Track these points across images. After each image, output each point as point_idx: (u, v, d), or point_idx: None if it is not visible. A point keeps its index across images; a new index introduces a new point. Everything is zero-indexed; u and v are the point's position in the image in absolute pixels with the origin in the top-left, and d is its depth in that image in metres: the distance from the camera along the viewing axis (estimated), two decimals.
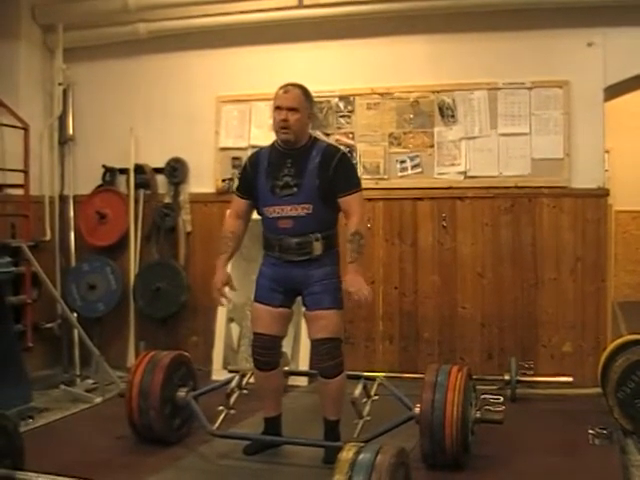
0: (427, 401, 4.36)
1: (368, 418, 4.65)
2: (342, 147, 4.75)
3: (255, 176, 4.64)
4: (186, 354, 5.27)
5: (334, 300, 4.52)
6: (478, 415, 4.55)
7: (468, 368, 4.64)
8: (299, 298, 4.69)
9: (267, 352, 4.65)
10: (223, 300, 4.75)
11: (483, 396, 4.89)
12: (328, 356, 4.48)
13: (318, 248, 4.53)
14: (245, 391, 5.03)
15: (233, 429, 4.97)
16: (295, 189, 4.50)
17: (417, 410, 4.41)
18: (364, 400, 4.85)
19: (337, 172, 4.49)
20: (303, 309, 4.67)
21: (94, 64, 7.46)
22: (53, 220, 7.33)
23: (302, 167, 4.51)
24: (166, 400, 4.85)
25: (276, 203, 4.56)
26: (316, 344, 4.54)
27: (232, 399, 4.91)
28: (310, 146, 4.58)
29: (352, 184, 4.55)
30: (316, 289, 4.53)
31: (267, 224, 4.65)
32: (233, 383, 5.03)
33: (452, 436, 4.28)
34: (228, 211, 4.93)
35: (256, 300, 4.71)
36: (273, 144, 4.68)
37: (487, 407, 4.73)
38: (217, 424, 4.78)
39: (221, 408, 4.87)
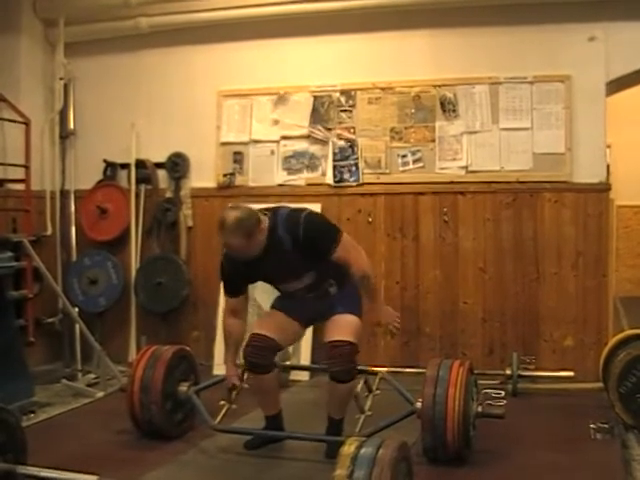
0: (429, 396, 4.36)
1: (369, 413, 4.63)
2: (301, 210, 4.41)
3: (237, 274, 4.50)
4: (187, 348, 5.27)
5: (354, 307, 4.52)
6: (479, 410, 4.54)
7: (469, 363, 4.63)
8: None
9: (261, 354, 4.50)
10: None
11: (485, 391, 4.88)
12: (343, 359, 4.36)
13: (334, 290, 4.55)
14: (246, 385, 5.01)
15: (235, 424, 4.97)
16: (288, 272, 4.45)
17: (419, 405, 4.41)
18: (366, 394, 4.85)
19: (309, 239, 4.28)
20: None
21: (95, 59, 7.45)
22: (54, 215, 7.32)
23: (279, 256, 4.32)
24: (167, 395, 4.85)
25: (277, 283, 4.62)
26: (331, 345, 4.40)
27: (234, 394, 4.89)
28: (272, 235, 4.29)
29: (331, 240, 4.32)
30: (335, 303, 4.53)
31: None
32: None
33: (454, 431, 4.28)
34: (223, 308, 4.89)
35: (272, 307, 4.75)
36: None
37: (488, 402, 4.72)
38: (218, 418, 4.77)
39: (222, 403, 4.85)
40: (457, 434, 4.29)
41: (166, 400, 4.84)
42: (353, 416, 4.59)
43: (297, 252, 4.31)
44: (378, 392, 4.94)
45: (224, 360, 4.79)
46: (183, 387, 4.97)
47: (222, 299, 6.63)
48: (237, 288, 4.60)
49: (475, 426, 4.52)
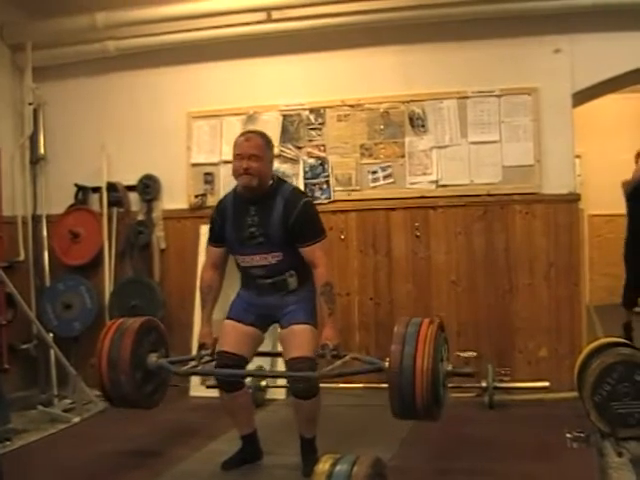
0: (396, 353, 4.18)
1: (340, 362, 4.42)
2: (305, 195, 4.73)
3: (223, 225, 4.61)
4: (156, 320, 5.10)
5: (309, 316, 4.50)
6: (450, 368, 4.45)
7: (440, 321, 4.47)
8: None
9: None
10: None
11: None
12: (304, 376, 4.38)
13: (293, 283, 4.54)
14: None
15: (212, 444, 4.96)
16: (261, 239, 4.47)
17: (386, 363, 4.23)
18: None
19: (298, 223, 4.42)
20: (279, 330, 4.66)
21: (64, 83, 7.42)
22: (26, 240, 7.28)
23: (266, 215, 4.46)
24: (136, 365, 4.69)
25: (245, 253, 4.56)
26: (290, 364, 4.43)
27: (203, 353, 4.70)
28: (273, 192, 4.51)
29: (314, 234, 4.49)
30: (291, 308, 4.53)
31: (240, 268, 4.67)
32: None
33: (422, 388, 4.10)
34: (203, 264, 4.87)
35: (227, 318, 4.70)
36: (235, 189, 4.62)
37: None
38: (184, 369, 4.73)
39: (193, 363, 4.74)
40: (426, 392, 4.11)
41: (135, 370, 4.68)
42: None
43: (281, 226, 4.43)
44: (347, 358, 4.60)
45: (201, 320, 4.73)
46: (152, 357, 4.81)
47: (197, 305, 6.60)
48: (221, 237, 4.65)
49: (445, 385, 4.36)
